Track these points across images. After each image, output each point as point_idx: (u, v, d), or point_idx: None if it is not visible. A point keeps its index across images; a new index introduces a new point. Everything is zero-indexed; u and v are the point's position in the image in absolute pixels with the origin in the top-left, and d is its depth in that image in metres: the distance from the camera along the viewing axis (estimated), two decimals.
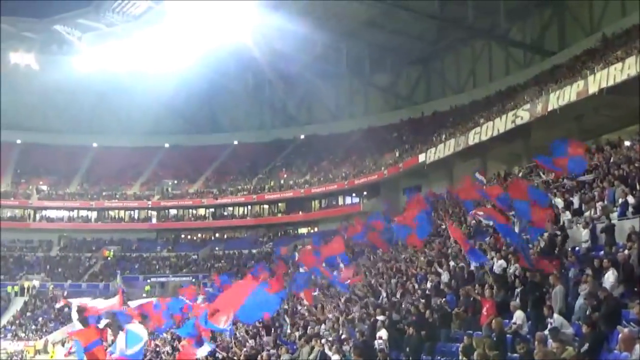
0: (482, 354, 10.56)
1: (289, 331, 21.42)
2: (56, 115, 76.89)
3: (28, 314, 60.60)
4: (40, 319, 59.50)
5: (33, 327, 58.19)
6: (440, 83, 66.02)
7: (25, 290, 64.41)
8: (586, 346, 9.88)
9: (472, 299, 14.31)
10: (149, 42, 60.78)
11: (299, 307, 24.98)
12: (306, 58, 63.96)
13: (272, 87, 70.73)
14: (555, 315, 11.30)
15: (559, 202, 18.63)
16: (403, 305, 16.80)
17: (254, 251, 64.76)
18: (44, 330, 56.45)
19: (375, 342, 14.71)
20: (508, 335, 11.67)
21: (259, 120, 79.04)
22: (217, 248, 69.84)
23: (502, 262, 15.57)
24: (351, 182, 61.05)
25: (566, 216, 17.65)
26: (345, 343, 15.44)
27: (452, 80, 64.34)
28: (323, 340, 16.31)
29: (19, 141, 77.61)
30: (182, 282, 60.51)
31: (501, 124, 39.59)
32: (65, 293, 61.74)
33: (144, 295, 55.65)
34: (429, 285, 17.76)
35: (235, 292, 16.87)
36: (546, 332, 10.38)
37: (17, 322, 59.25)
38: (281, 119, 76.84)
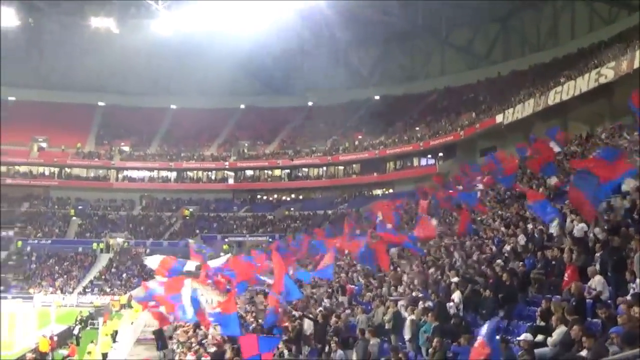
0: (560, 318, 10.38)
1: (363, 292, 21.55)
2: (136, 78, 78.75)
3: (113, 270, 63.06)
4: (124, 275, 61.87)
5: (118, 282, 60.57)
6: (520, 41, 64.15)
7: (110, 248, 66.89)
8: None
9: (551, 262, 14.04)
10: (225, 4, 61.06)
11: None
12: (381, 18, 63.13)
13: (347, 48, 70.11)
14: (638, 280, 10.97)
15: None
16: (479, 268, 16.64)
17: (328, 212, 65.14)
18: (128, 285, 58.63)
19: (448, 304, 14.66)
20: (588, 300, 11.42)
21: (334, 81, 78.73)
22: (292, 209, 70.61)
23: (582, 225, 15.15)
24: (426, 143, 60.38)
25: None
26: (420, 304, 15.44)
27: (531, 38, 62.40)
28: (399, 302, 16.36)
29: (101, 103, 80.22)
30: (258, 241, 61.72)
31: (583, 83, 38.27)
32: (147, 250, 63.97)
33: (222, 254, 56.95)
34: (507, 247, 17.49)
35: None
36: (628, 297, 10.11)
37: (103, 277, 61.78)
38: (356, 80, 76.31)
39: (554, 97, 41.42)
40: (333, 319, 16.41)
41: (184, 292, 19.30)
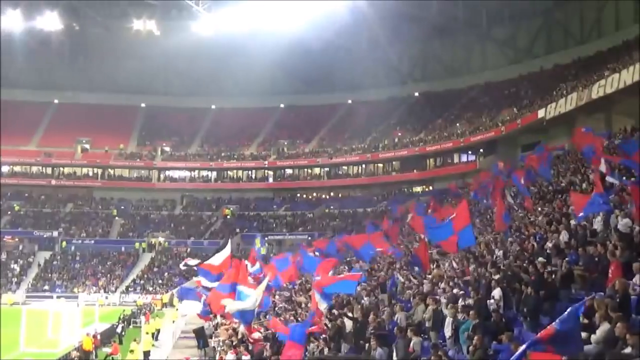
0: (604, 315, 10.16)
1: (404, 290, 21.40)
2: (177, 79, 79.85)
3: (155, 269, 63.93)
4: (166, 274, 62.66)
5: (159, 281, 61.37)
6: (562, 34, 62.98)
7: (152, 247, 67.76)
8: None
9: (595, 258, 13.76)
10: (264, 3, 61.35)
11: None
12: (421, 14, 62.72)
13: (386, 44, 69.73)
14: None
15: None
16: (521, 265, 16.38)
17: (368, 210, 64.94)
18: (170, 284, 59.34)
19: (489, 301, 14.45)
20: (632, 297, 11.16)
21: (373, 78, 78.43)
22: (332, 207, 70.62)
23: (627, 220, 14.82)
24: (467, 140, 59.78)
25: None
26: (460, 301, 15.27)
27: (574, 30, 61.24)
28: (440, 299, 16.20)
29: (143, 105, 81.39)
30: (298, 240, 61.85)
31: (628, 76, 37.37)
32: (189, 250, 64.66)
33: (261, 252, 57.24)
34: (548, 244, 17.18)
35: None
36: None
37: (145, 276, 62.64)
38: (395, 77, 75.91)
39: (597, 90, 40.58)
40: (372, 317, 16.34)
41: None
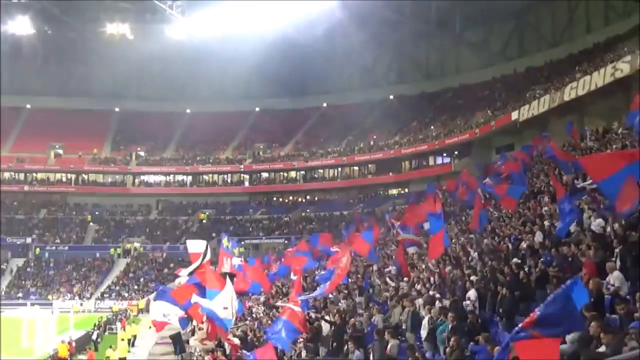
0: None
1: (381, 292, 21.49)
2: (151, 83, 79.38)
3: (130, 274, 63.45)
4: (141, 279, 62.23)
5: (135, 287, 60.92)
6: (535, 37, 63.62)
7: (128, 252, 67.27)
8: None
9: (569, 259, 13.91)
10: (238, 7, 61.19)
11: (390, 267, 25.00)
12: (395, 17, 63.00)
13: (361, 48, 69.94)
14: None
15: None
16: (496, 266, 16.51)
17: (345, 213, 65.03)
18: (145, 290, 58.94)
19: (465, 302, 14.55)
20: (606, 296, 11.29)
21: (348, 82, 78.66)
22: (308, 210, 70.64)
23: (600, 220, 15.02)
24: (442, 142, 60.19)
25: None
26: (437, 303, 15.35)
27: (547, 33, 61.91)
28: (416, 301, 16.27)
29: (117, 109, 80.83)
30: (274, 243, 61.82)
31: (599, 78, 37.88)
32: (164, 255, 64.35)
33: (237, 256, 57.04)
34: (523, 245, 17.34)
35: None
36: None
37: (121, 282, 62.16)
38: (370, 80, 76.17)
39: (569, 92, 41.09)
40: (350, 320, 16.39)
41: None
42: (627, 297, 10.98)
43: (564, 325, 7.11)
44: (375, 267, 25.92)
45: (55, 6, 65.79)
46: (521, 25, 64.89)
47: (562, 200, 15.89)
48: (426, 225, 23.08)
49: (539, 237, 17.07)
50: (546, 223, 18.17)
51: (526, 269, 14.63)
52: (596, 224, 15.04)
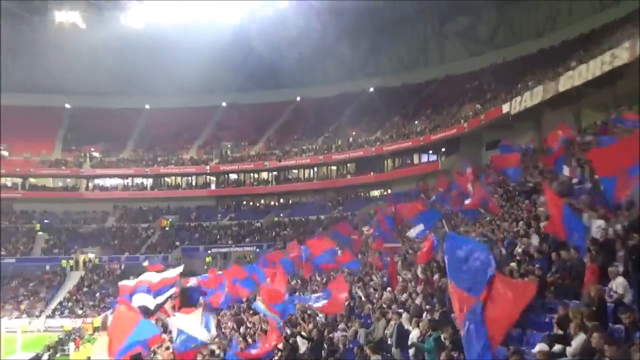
0: (579, 325, 10.30)
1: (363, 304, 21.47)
2: (105, 77, 78.65)
3: (85, 289, 62.76)
4: (97, 294, 61.57)
5: (90, 302, 60.28)
6: (526, 23, 64.11)
7: (81, 264, 66.62)
8: None
9: (568, 264, 13.96)
10: None
11: (373, 277, 25.01)
12: (373, 4, 63.08)
13: (336, 38, 69.99)
14: None
15: None
16: None
17: (322, 217, 65.04)
18: (102, 306, 58.31)
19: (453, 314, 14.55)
20: (609, 305, 11.35)
21: (323, 74, 78.66)
22: (281, 215, 70.50)
23: (601, 221, 15.08)
24: (427, 138, 60.33)
25: None
26: (425, 315, 15.34)
27: (539, 19, 62.40)
28: (402, 314, 16.25)
29: (67, 106, 80.00)
30: (245, 252, 61.59)
31: (597, 66, 38.18)
32: (123, 267, 63.81)
33: (205, 267, 56.87)
34: (518, 249, 17.40)
35: None
36: None
37: (74, 298, 61.45)
38: (347, 72, 76.24)
39: (564, 82, 41.39)
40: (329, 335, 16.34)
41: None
42: (632, 305, 11.03)
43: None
44: (356, 278, 25.89)
45: None
46: (510, 10, 65.35)
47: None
48: (412, 232, 23.24)
49: (535, 240, 17.12)
50: (542, 225, 18.23)
51: (521, 274, 14.66)
52: (596, 225, 15.09)
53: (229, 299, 27.54)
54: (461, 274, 8.24)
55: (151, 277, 23.02)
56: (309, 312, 21.63)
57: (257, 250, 60.49)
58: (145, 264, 53.43)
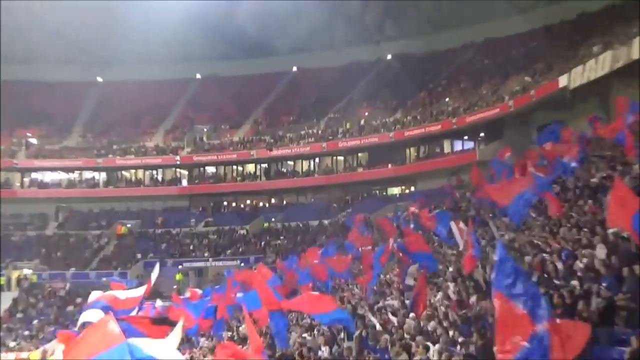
0: None
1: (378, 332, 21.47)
2: (45, 41, 78.60)
3: (19, 315, 62.64)
4: (35, 321, 61.46)
5: (26, 332, 60.20)
6: None
7: (14, 283, 66.51)
8: None
9: None
10: None
11: (388, 299, 24.99)
12: None
13: None
14: None
15: None
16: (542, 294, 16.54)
17: (325, 222, 64.99)
18: (41, 337, 58.29)
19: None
20: None
21: (328, 37, 78.51)
22: (273, 219, 70.44)
23: None
24: (461, 120, 60.26)
25: None
26: (460, 348, 15.33)
27: None
28: (429, 347, 16.24)
29: None
30: (225, 266, 61.47)
31: None
32: (68, 286, 63.74)
33: (175, 286, 56.85)
34: (579, 264, 17.39)
35: None
36: None
37: (5, 326, 61.41)
38: (359, 34, 76.19)
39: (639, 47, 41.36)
40: None
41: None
42: None
43: None
44: (371, 299, 25.87)
45: None
46: None
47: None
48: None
49: (601, 252, 17.08)
50: (610, 232, 18.17)
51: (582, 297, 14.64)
52: None
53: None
54: (516, 288, 8.00)
55: (118, 294, 23.22)
56: (308, 344, 21.65)
57: (242, 264, 60.30)
58: (104, 280, 53.58)
